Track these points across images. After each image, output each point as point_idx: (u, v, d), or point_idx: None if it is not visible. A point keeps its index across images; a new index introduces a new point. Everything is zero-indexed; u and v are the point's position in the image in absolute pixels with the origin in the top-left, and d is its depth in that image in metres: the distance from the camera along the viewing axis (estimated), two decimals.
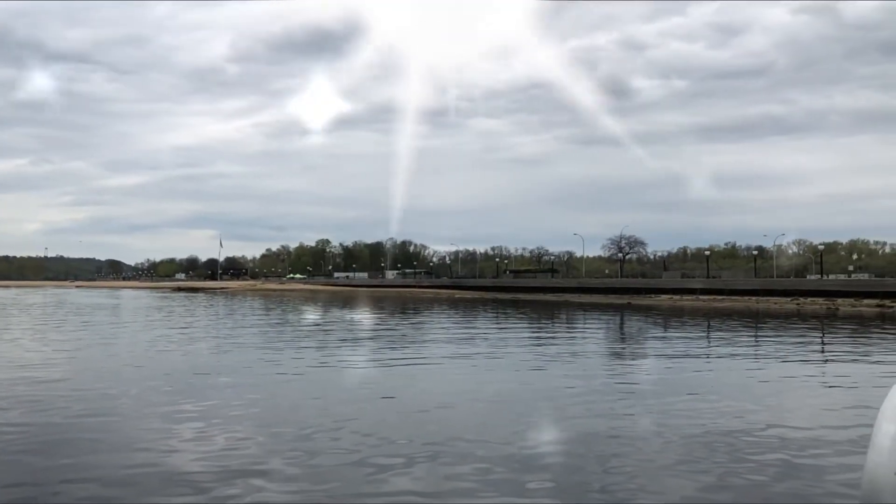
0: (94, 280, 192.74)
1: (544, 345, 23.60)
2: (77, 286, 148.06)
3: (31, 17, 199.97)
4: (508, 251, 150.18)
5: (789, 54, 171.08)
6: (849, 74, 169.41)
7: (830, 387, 14.44)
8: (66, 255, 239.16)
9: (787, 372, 16.27)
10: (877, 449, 1.04)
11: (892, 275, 74.67)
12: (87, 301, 64.74)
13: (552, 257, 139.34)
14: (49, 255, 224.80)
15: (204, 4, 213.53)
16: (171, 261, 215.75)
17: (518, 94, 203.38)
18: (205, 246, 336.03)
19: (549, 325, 34.45)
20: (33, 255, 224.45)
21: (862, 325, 33.44)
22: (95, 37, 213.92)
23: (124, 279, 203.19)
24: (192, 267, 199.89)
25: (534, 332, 29.49)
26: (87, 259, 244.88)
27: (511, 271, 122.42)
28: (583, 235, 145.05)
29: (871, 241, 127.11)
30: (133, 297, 77.68)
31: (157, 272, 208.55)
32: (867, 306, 47.97)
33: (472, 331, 29.45)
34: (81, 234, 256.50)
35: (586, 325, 34.72)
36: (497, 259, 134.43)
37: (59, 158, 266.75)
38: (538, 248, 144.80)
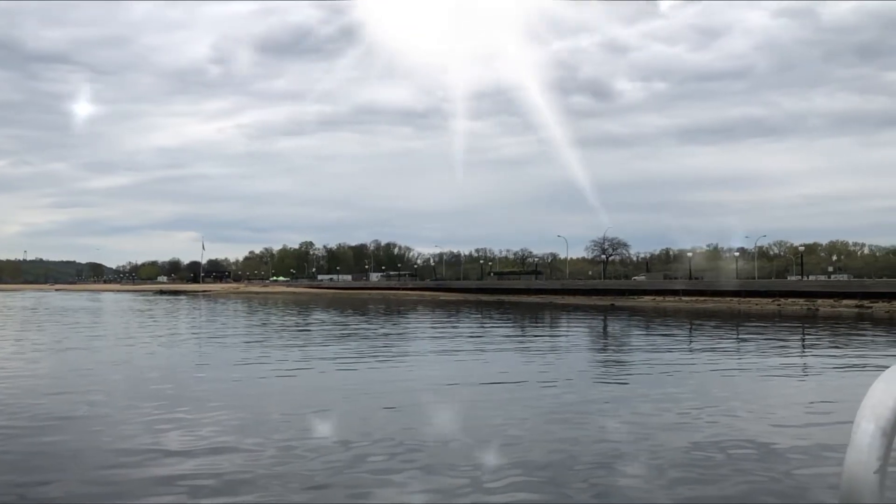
0: (75, 283, 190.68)
1: (526, 345, 23.68)
2: (57, 289, 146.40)
3: (9, 16, 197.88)
4: (493, 253, 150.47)
5: (769, 57, 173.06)
6: (827, 77, 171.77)
7: (808, 384, 14.67)
8: (45, 258, 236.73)
9: (767, 370, 16.46)
10: (856, 447, 1.05)
11: (870, 276, 75.65)
12: (66, 304, 64.05)
13: (536, 259, 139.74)
14: (28, 258, 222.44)
15: (184, 4, 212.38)
16: (153, 263, 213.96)
17: (501, 95, 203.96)
18: (187, 248, 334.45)
19: (532, 327, 34.55)
20: (12, 257, 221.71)
21: (841, 324, 33.85)
22: (74, 37, 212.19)
23: (105, 282, 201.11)
24: (174, 269, 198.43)
25: (516, 333, 29.58)
26: (68, 262, 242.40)
27: (495, 273, 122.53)
28: (566, 237, 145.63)
29: (850, 243, 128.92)
30: (114, 300, 76.94)
31: (138, 275, 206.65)
32: (846, 307, 48.54)
33: (455, 331, 29.48)
34: (62, 237, 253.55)
35: (570, 327, 34.86)
36: (481, 261, 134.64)
37: (39, 160, 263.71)
38: (522, 250, 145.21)
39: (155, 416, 10.11)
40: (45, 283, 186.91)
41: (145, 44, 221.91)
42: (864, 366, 17.29)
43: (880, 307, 46.50)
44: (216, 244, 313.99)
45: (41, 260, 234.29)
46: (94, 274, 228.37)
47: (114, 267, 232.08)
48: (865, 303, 48.98)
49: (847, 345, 23.61)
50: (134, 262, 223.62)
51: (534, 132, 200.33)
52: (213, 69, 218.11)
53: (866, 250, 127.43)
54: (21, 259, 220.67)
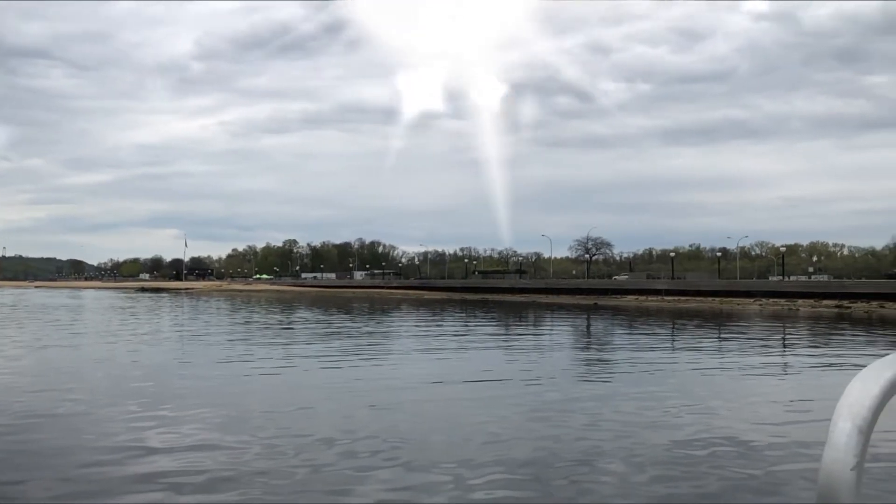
0: (55, 280, 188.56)
1: (510, 343, 23.74)
2: (36, 286, 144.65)
3: None
4: (477, 252, 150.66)
5: (750, 60, 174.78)
6: (807, 80, 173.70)
7: (788, 383, 14.84)
8: (25, 255, 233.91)
9: (748, 369, 16.63)
10: (833, 445, 1.08)
11: (849, 276, 76.60)
12: (47, 301, 63.35)
13: (520, 258, 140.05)
14: (7, 255, 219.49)
15: (167, 1, 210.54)
16: (135, 261, 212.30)
17: (486, 94, 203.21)
18: (169, 246, 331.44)
19: (516, 325, 34.64)
20: None
21: (821, 324, 34.23)
22: (55, 32, 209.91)
23: (87, 279, 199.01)
24: (156, 267, 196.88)
25: (500, 332, 29.65)
26: (48, 259, 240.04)
27: (480, 272, 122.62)
28: (550, 237, 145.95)
29: (830, 244, 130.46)
30: (95, 298, 76.19)
31: (120, 272, 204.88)
32: (826, 307, 49.08)
33: (439, 330, 29.50)
34: (42, 234, 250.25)
35: (553, 325, 34.99)
36: (466, 260, 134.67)
37: (17, 156, 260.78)
38: (507, 249, 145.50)
39: (137, 414, 10.05)
40: (25, 280, 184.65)
41: (127, 40, 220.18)
42: (842, 365, 17.51)
43: (859, 307, 47.08)
44: (199, 242, 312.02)
45: (20, 257, 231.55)
46: (75, 271, 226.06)
47: (95, 264, 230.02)
48: (845, 303, 49.54)
49: (826, 344, 23.89)
50: (116, 259, 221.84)
51: (518, 132, 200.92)
52: (196, 66, 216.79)
53: (846, 251, 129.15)
54: (0, 256, 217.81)
